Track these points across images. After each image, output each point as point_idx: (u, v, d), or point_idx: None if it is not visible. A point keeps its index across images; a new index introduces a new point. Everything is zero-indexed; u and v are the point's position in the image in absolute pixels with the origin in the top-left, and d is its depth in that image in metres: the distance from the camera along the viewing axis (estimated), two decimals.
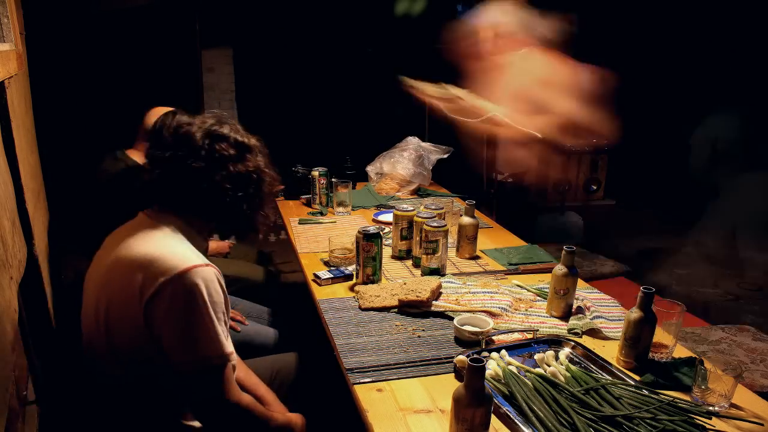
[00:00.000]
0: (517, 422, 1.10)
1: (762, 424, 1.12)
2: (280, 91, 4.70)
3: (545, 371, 1.25)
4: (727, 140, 3.22)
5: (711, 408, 1.14)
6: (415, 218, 1.89)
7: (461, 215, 2.01)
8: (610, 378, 1.26)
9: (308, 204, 2.65)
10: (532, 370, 1.25)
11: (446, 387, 1.22)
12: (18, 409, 1.08)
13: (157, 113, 2.05)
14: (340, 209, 2.49)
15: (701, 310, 3.31)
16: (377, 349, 1.39)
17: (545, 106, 2.20)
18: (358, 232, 1.70)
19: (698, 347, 1.94)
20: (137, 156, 2.07)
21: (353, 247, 1.85)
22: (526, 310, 1.62)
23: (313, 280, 1.79)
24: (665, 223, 4.93)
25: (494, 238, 2.23)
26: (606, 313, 1.57)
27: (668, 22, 4.88)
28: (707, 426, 1.09)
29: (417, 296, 1.57)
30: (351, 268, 1.83)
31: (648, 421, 1.08)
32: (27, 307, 1.32)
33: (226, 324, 1.15)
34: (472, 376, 0.95)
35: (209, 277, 1.11)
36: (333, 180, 2.52)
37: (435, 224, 1.78)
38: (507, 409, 1.14)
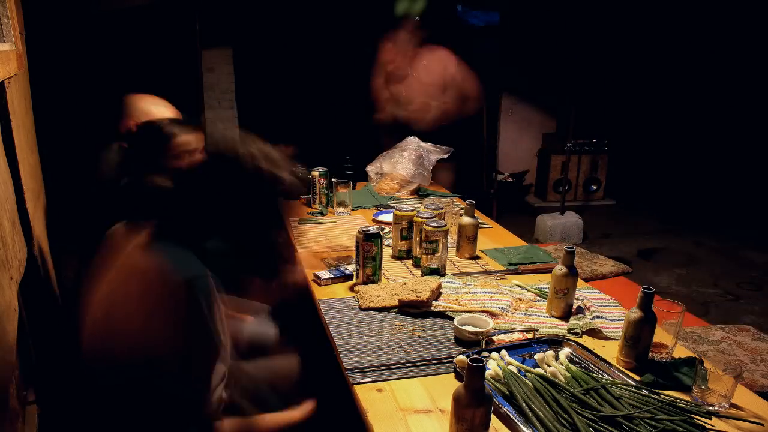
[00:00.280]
0: (517, 422, 1.10)
1: (762, 424, 1.12)
2: (280, 91, 4.70)
3: (545, 371, 1.25)
4: None
5: (711, 408, 1.14)
6: (415, 218, 1.89)
7: (461, 215, 2.01)
8: (610, 378, 1.26)
9: (308, 204, 2.65)
10: (532, 370, 1.25)
11: (446, 387, 1.22)
12: (18, 409, 1.08)
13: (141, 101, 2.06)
14: (340, 209, 2.49)
15: (701, 310, 3.32)
16: (377, 349, 1.39)
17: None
18: (358, 232, 1.70)
19: (698, 347, 1.94)
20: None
21: (353, 247, 1.85)
22: (526, 310, 1.62)
23: (314, 280, 1.79)
24: (665, 223, 4.93)
25: (494, 238, 2.23)
26: (606, 313, 1.57)
27: (669, 23, 4.88)
28: (707, 426, 1.09)
29: (417, 296, 1.57)
30: (351, 268, 1.83)
31: (648, 421, 1.08)
32: (27, 307, 1.32)
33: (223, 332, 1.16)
34: (472, 376, 0.95)
35: (210, 288, 1.12)
36: (333, 180, 2.52)
37: (435, 224, 1.78)
38: (507, 409, 1.14)
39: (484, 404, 0.98)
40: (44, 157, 2.26)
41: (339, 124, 4.81)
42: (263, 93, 4.70)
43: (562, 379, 1.23)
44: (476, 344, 1.39)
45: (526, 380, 1.21)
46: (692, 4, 4.79)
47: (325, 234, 2.20)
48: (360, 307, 1.61)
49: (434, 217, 1.88)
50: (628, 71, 5.06)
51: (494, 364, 1.26)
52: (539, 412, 1.11)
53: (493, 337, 1.42)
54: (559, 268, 1.53)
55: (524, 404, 1.13)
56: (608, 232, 4.71)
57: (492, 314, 1.54)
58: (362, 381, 1.25)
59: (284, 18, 4.56)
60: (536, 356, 1.31)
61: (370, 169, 2.88)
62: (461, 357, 1.29)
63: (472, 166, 5.13)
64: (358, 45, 4.85)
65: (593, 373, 1.28)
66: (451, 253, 2.02)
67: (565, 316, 1.56)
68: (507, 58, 5.01)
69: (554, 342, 1.41)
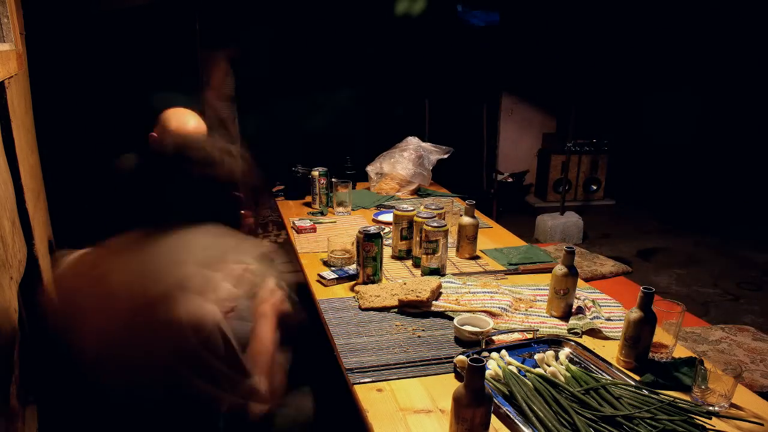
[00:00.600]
0: (517, 422, 1.09)
1: (762, 424, 1.12)
2: (280, 91, 4.70)
3: (545, 371, 1.25)
4: None
5: (711, 408, 1.14)
6: (415, 218, 1.89)
7: (461, 215, 2.01)
8: (610, 378, 1.26)
9: (308, 204, 2.65)
10: (532, 370, 1.25)
11: (446, 387, 1.22)
12: (18, 409, 1.08)
13: (173, 115, 2.05)
14: (340, 209, 2.49)
15: (701, 310, 3.32)
16: (377, 349, 1.39)
17: None
18: (359, 232, 1.71)
19: (698, 347, 1.94)
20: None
21: (353, 247, 1.85)
22: (526, 310, 1.62)
23: (318, 281, 1.79)
24: (665, 223, 4.93)
25: (494, 238, 2.23)
26: (606, 313, 1.57)
27: (669, 23, 4.88)
28: (707, 426, 1.09)
29: (417, 296, 1.57)
30: (353, 269, 1.83)
31: (648, 421, 1.08)
32: (27, 307, 1.32)
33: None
34: (472, 376, 0.95)
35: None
36: (333, 180, 2.52)
37: (435, 224, 1.78)
38: (507, 409, 1.14)
39: (484, 404, 0.98)
40: (44, 157, 2.26)
41: (339, 124, 4.81)
42: (263, 93, 4.70)
43: (562, 379, 1.23)
44: (476, 344, 1.39)
45: (526, 380, 1.21)
46: (692, 4, 4.79)
47: (326, 234, 2.20)
48: (360, 307, 1.61)
49: (434, 217, 1.88)
50: (628, 71, 5.06)
51: (494, 364, 1.26)
52: (539, 412, 1.11)
53: (493, 337, 1.42)
54: (559, 268, 1.53)
55: (524, 404, 1.13)
56: (608, 232, 4.71)
57: (492, 314, 1.54)
58: (362, 381, 1.25)
59: (284, 18, 4.56)
60: (536, 356, 1.31)
61: (370, 169, 2.88)
62: (461, 357, 1.29)
63: (472, 166, 5.14)
64: (358, 45, 4.86)
65: (593, 373, 1.28)
66: (451, 253, 2.02)
67: (565, 316, 1.56)
68: (507, 58, 5.02)
69: (554, 342, 1.42)
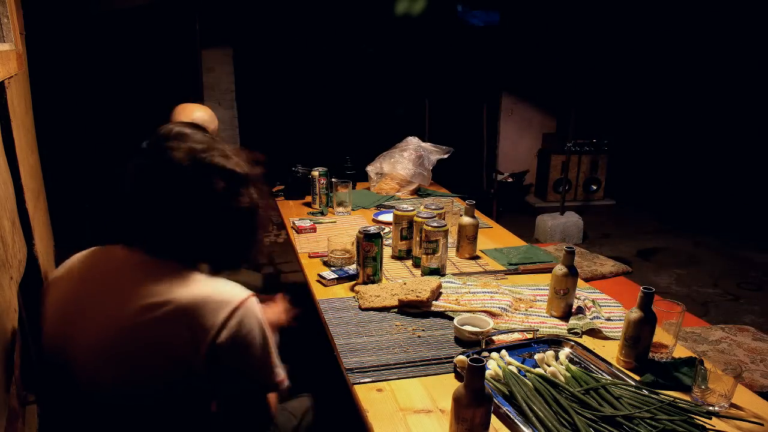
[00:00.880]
0: (517, 422, 1.09)
1: (762, 424, 1.12)
2: (280, 91, 4.71)
3: (545, 371, 1.25)
4: None
5: (711, 408, 1.14)
6: (415, 218, 1.89)
7: (461, 215, 2.01)
8: (610, 378, 1.26)
9: (308, 204, 2.65)
10: (532, 370, 1.25)
11: (446, 387, 1.22)
12: (18, 409, 1.08)
13: (184, 110, 2.05)
14: (340, 209, 2.49)
15: (701, 310, 3.32)
16: (377, 349, 1.39)
17: None
18: (359, 232, 1.71)
19: (698, 347, 1.94)
20: None
21: (353, 247, 1.85)
22: (526, 310, 1.62)
23: (318, 281, 1.79)
24: (665, 223, 4.93)
25: (494, 238, 2.23)
26: (606, 313, 1.57)
27: (669, 23, 4.88)
28: (707, 426, 1.09)
29: (417, 296, 1.57)
30: (353, 269, 1.83)
31: (648, 421, 1.08)
32: (27, 307, 1.32)
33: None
34: (472, 376, 0.95)
35: (260, 307, 1.07)
36: (333, 180, 2.52)
37: (435, 224, 1.78)
38: (507, 409, 1.14)
39: (484, 404, 0.98)
40: (44, 157, 2.26)
41: (339, 124, 4.82)
42: (263, 93, 4.70)
43: (562, 379, 1.23)
44: (476, 344, 1.39)
45: (526, 380, 1.21)
46: (692, 4, 4.79)
47: (326, 234, 2.20)
48: (360, 307, 1.61)
49: (434, 217, 1.88)
50: (628, 71, 5.07)
51: (494, 364, 1.26)
52: (539, 412, 1.11)
53: (493, 337, 1.42)
54: (559, 268, 1.53)
55: (524, 404, 1.13)
56: (608, 232, 4.71)
57: (492, 314, 1.54)
58: (362, 381, 1.25)
59: (284, 18, 4.56)
60: (536, 356, 1.31)
61: (370, 169, 2.88)
62: (461, 357, 1.29)
63: (472, 166, 5.14)
64: (358, 45, 4.86)
65: (593, 373, 1.28)
66: (451, 253, 2.02)
67: (565, 316, 1.56)
68: (507, 58, 5.02)
69: (554, 342, 1.42)
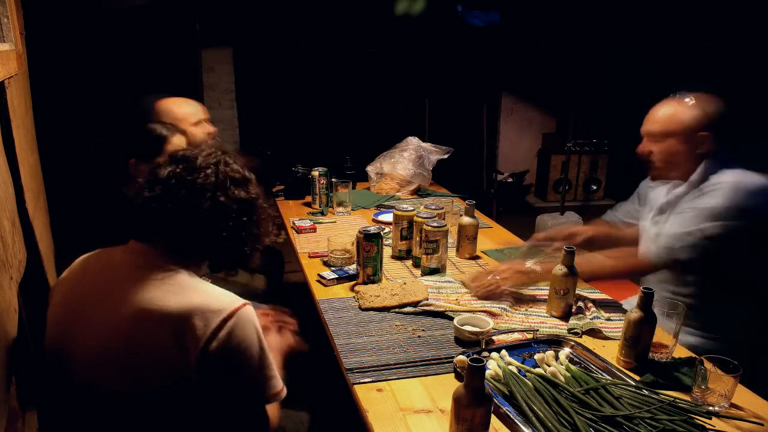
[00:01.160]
0: (517, 422, 1.09)
1: (762, 424, 1.12)
2: (280, 91, 4.70)
3: (545, 371, 1.25)
4: None
5: (711, 408, 1.14)
6: (415, 218, 1.89)
7: (461, 215, 2.01)
8: (610, 378, 1.26)
9: (308, 204, 2.65)
10: (532, 370, 1.25)
11: (446, 387, 1.22)
12: (18, 409, 1.08)
13: (166, 105, 2.06)
14: (340, 209, 2.49)
15: None
16: (377, 349, 1.39)
17: None
18: (359, 232, 1.71)
19: None
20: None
21: (353, 247, 1.85)
22: (526, 310, 1.62)
23: (318, 281, 1.79)
24: None
25: (494, 238, 2.23)
26: (606, 313, 1.57)
27: (669, 22, 4.88)
28: (707, 426, 1.09)
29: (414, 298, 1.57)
30: (353, 269, 1.83)
31: (648, 421, 1.08)
32: (27, 307, 1.32)
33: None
34: (472, 376, 0.95)
35: (254, 315, 1.06)
36: (333, 180, 2.52)
37: (435, 224, 1.78)
38: (507, 409, 1.14)
39: (484, 404, 0.98)
40: (44, 157, 2.26)
41: (339, 124, 4.82)
42: (263, 93, 4.70)
43: (562, 379, 1.23)
44: (476, 344, 1.39)
45: (526, 380, 1.21)
46: (693, 4, 4.79)
47: (326, 234, 2.20)
48: (360, 307, 1.61)
49: (434, 217, 1.88)
50: (628, 71, 5.06)
51: (494, 364, 1.26)
52: (539, 412, 1.11)
53: (493, 337, 1.42)
54: (559, 268, 1.53)
55: (524, 404, 1.13)
56: None
57: (492, 314, 1.54)
58: (362, 381, 1.25)
59: (284, 18, 4.56)
60: (536, 356, 1.31)
61: (370, 169, 2.88)
62: (461, 357, 1.29)
63: (472, 166, 5.14)
64: (358, 45, 4.86)
65: (593, 373, 1.28)
66: (451, 253, 2.02)
67: (565, 316, 1.56)
68: (507, 58, 5.02)
69: (554, 342, 1.42)
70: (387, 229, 2.18)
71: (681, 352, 1.38)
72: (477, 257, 2.02)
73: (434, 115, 4.83)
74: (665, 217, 1.72)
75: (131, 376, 1.02)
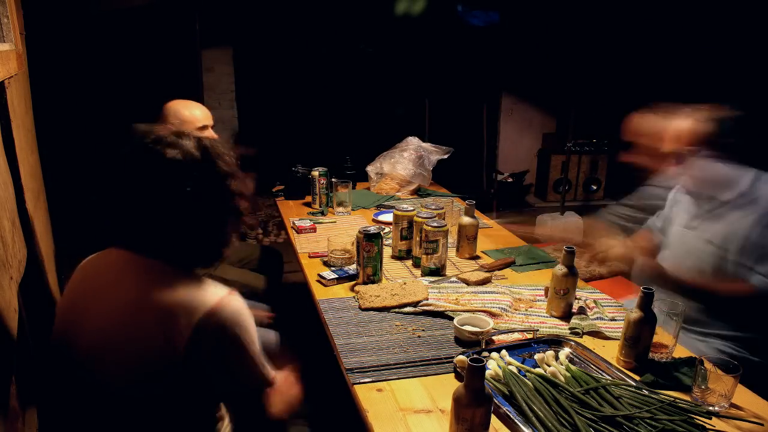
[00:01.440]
0: (517, 422, 1.09)
1: (762, 424, 1.12)
2: (280, 91, 4.71)
3: (545, 371, 1.25)
4: None
5: (711, 408, 1.14)
6: (415, 218, 1.89)
7: (461, 215, 2.01)
8: (610, 378, 1.26)
9: (308, 204, 2.65)
10: (532, 370, 1.25)
11: (446, 387, 1.22)
12: (18, 409, 1.08)
13: (174, 107, 2.05)
14: (340, 209, 2.49)
15: None
16: (377, 349, 1.39)
17: None
18: (359, 232, 1.71)
19: None
20: None
21: (353, 247, 1.85)
22: (526, 310, 1.62)
23: (318, 281, 1.79)
24: None
25: (494, 238, 2.23)
26: (609, 313, 1.57)
27: (669, 22, 4.88)
28: (707, 426, 1.09)
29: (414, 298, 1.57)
30: (353, 269, 1.83)
31: (648, 421, 1.08)
32: (27, 307, 1.32)
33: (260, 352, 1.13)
34: (472, 376, 0.95)
35: (242, 305, 1.08)
36: (333, 180, 2.51)
37: (435, 224, 1.78)
38: (507, 409, 1.14)
39: (484, 404, 0.98)
40: (44, 157, 2.26)
41: (339, 124, 4.82)
42: (263, 93, 4.70)
43: (562, 379, 1.23)
44: (476, 344, 1.39)
45: (526, 380, 1.21)
46: (693, 4, 4.79)
47: (326, 234, 2.20)
48: (360, 307, 1.61)
49: (434, 217, 1.88)
50: (629, 71, 5.06)
51: (494, 364, 1.26)
52: (539, 412, 1.11)
53: (493, 337, 1.42)
54: (559, 268, 1.53)
55: (524, 404, 1.13)
56: None
57: (492, 314, 1.54)
58: (362, 381, 1.25)
59: (284, 18, 4.56)
60: (536, 356, 1.31)
61: (370, 169, 2.88)
62: (461, 357, 1.29)
63: (472, 166, 5.14)
64: (358, 45, 4.86)
65: (593, 373, 1.28)
66: (451, 253, 2.02)
67: (565, 316, 1.56)
68: (507, 58, 5.02)
69: (554, 342, 1.41)
70: (387, 229, 2.18)
71: (681, 352, 1.38)
72: (477, 257, 2.02)
73: (434, 115, 4.83)
74: (707, 225, 1.68)
75: (127, 365, 1.04)
